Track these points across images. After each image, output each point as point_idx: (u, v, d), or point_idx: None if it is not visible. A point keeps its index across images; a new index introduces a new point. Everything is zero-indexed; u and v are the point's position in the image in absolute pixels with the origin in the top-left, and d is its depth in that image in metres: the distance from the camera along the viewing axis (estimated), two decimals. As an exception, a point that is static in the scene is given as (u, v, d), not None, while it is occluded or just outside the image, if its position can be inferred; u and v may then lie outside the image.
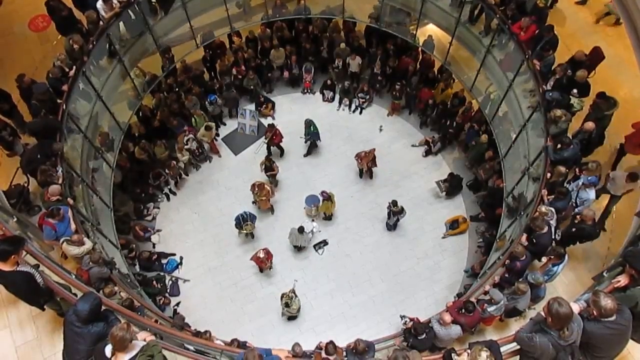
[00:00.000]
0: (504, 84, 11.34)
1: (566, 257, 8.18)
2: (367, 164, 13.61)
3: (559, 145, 9.19)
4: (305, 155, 14.60)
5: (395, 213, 12.55)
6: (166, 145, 13.51)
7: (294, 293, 11.43)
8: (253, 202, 13.34)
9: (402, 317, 10.28)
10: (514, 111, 11.23)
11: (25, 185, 9.57)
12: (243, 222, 12.37)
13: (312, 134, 14.03)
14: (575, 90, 9.93)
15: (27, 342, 6.87)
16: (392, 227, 13.24)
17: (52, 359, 6.66)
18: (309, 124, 14.04)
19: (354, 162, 14.13)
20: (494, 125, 12.15)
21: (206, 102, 14.18)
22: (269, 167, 13.20)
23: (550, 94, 9.77)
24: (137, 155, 12.80)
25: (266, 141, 14.01)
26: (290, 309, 11.39)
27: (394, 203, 12.46)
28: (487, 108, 12.39)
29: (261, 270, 12.56)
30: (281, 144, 14.13)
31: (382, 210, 13.41)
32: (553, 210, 8.48)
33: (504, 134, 11.90)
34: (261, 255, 11.79)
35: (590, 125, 9.16)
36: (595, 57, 10.40)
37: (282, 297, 11.44)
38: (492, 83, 12.19)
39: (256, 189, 12.63)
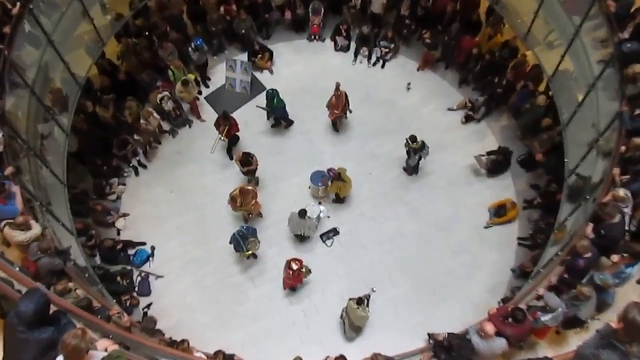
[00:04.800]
0: (569, 31, 11.13)
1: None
2: (342, 108, 13.48)
3: (637, 111, 9.02)
4: (272, 126, 14.46)
5: (415, 150, 12.58)
6: (138, 104, 13.43)
7: (367, 303, 11.09)
8: (245, 221, 12.84)
9: (430, 335, 10.31)
10: (581, 66, 11.05)
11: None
12: (243, 240, 11.68)
13: (275, 109, 13.72)
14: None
15: (-41, 351, 6.91)
16: (414, 169, 13.33)
17: (-9, 371, 6.70)
18: (271, 95, 13.44)
19: (372, 130, 14.14)
20: (555, 85, 11.98)
21: (189, 48, 13.97)
22: (245, 162, 12.62)
23: (628, 45, 9.56)
24: (100, 113, 12.68)
25: (222, 137, 13.36)
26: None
27: (413, 138, 12.49)
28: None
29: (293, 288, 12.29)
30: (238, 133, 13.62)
31: (406, 190, 13.47)
32: (629, 194, 8.36)
33: (567, 95, 11.73)
34: (294, 267, 11.21)
35: (680, 84, 8.98)
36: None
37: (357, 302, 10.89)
38: (553, 30, 11.99)
39: (239, 199, 11.97)
